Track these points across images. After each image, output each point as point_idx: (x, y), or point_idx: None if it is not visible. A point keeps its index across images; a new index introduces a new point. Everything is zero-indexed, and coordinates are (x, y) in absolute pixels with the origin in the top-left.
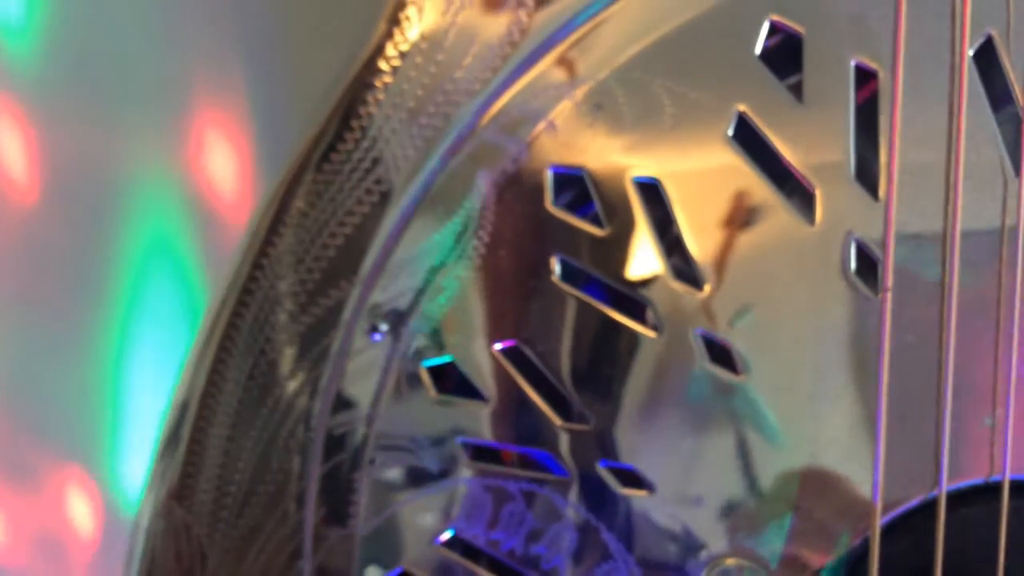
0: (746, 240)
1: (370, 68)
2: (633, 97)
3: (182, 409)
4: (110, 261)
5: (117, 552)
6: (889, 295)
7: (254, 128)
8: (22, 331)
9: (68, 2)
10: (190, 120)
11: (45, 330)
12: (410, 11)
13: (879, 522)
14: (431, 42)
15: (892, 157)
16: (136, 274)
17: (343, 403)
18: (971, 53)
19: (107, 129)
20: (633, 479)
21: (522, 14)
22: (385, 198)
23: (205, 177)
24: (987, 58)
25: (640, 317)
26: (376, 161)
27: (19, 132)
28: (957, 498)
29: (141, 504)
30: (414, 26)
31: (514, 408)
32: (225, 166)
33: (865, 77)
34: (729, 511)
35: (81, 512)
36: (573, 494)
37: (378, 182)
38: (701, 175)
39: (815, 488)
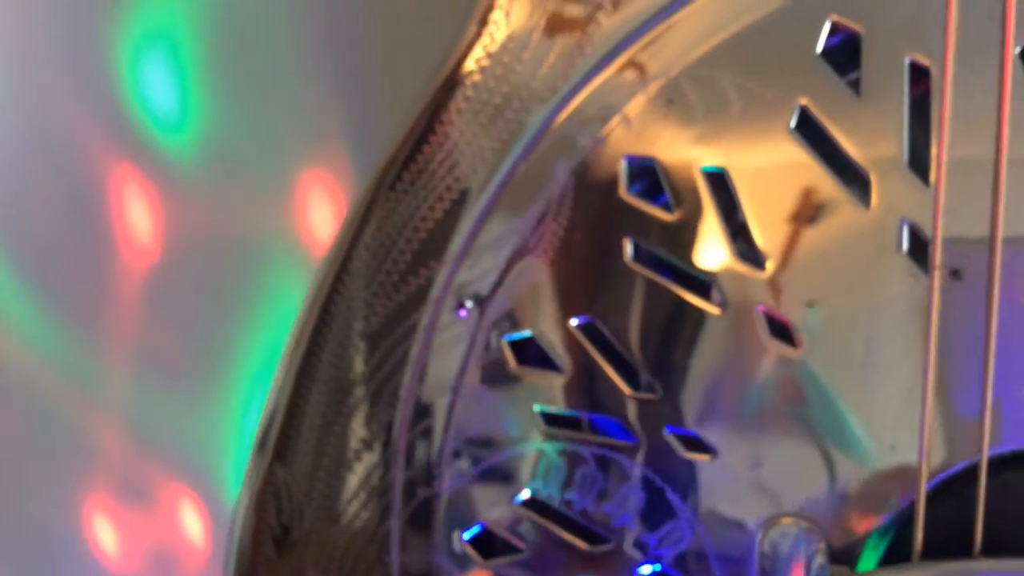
0: (806, 224)
1: (459, 69)
2: (702, 92)
3: (283, 381)
4: (233, 313)
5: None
6: (938, 272)
7: (353, 183)
8: (145, 373)
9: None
10: (297, 183)
11: (168, 372)
12: (497, 14)
13: (925, 486)
14: (516, 44)
15: (941, 147)
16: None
17: (430, 374)
18: (1017, 51)
19: (227, 196)
20: (696, 444)
21: (600, 16)
22: (464, 195)
23: (309, 232)
24: None
25: (706, 295)
26: (456, 162)
27: (147, 200)
28: (999, 464)
29: (247, 465)
30: (501, 28)
31: (587, 379)
32: (327, 221)
33: (919, 73)
34: (785, 475)
35: (192, 526)
36: (641, 458)
37: (457, 179)
38: (765, 165)
39: (866, 453)
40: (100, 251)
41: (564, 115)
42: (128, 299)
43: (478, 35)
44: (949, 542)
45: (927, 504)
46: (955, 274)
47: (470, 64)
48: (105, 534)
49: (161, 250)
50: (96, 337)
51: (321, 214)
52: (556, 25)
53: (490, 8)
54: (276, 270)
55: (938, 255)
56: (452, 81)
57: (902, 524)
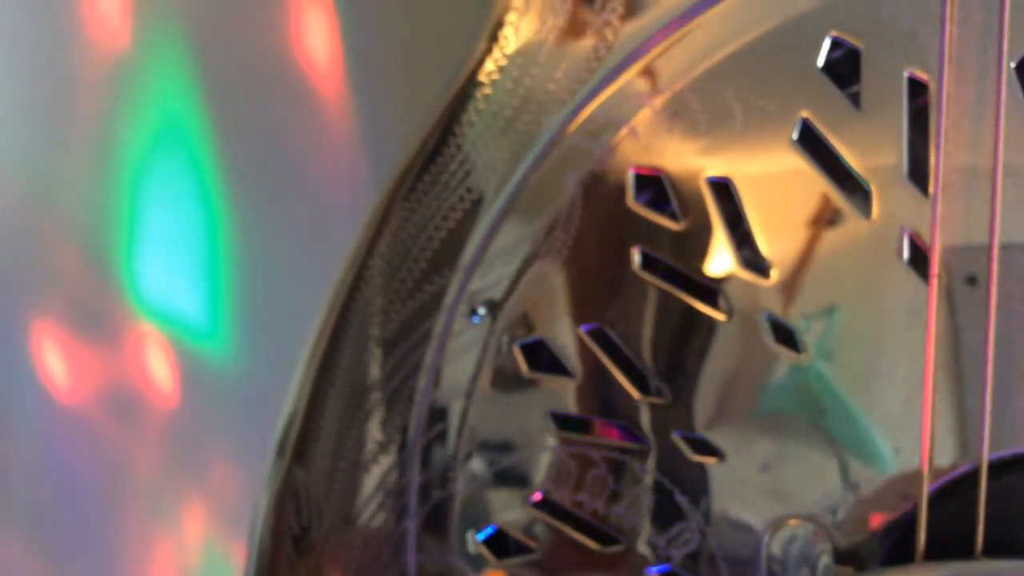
0: (809, 233)
1: (471, 81)
2: (707, 105)
3: (301, 386)
4: None
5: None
6: (936, 280)
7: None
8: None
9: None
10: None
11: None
12: (508, 30)
13: (927, 489)
14: (526, 57)
15: (939, 159)
16: None
17: (444, 379)
18: (1013, 65)
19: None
20: (705, 447)
21: (608, 33)
22: (477, 204)
23: None
24: None
25: (712, 302)
26: (469, 172)
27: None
28: (1000, 467)
29: (268, 468)
30: (511, 43)
31: (597, 383)
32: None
33: (917, 87)
34: (792, 477)
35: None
36: (650, 461)
37: (469, 190)
38: (768, 175)
39: (873, 456)
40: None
41: (574, 127)
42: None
43: (489, 49)
44: (955, 543)
45: (933, 506)
46: (971, 281)
47: (482, 77)
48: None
49: None
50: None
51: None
52: (564, 40)
53: (501, 23)
54: None
55: (936, 264)
56: (465, 93)
57: (907, 526)
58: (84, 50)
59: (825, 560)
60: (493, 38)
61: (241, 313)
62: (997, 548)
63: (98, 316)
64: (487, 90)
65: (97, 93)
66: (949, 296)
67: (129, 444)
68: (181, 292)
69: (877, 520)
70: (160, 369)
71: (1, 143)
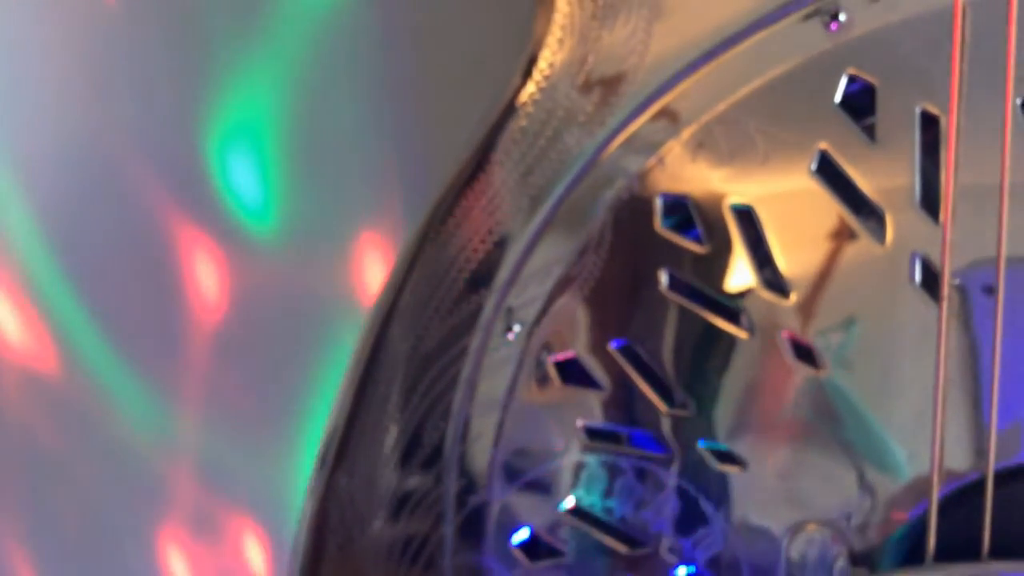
0: (826, 257)
1: (508, 111)
2: (730, 137)
3: (342, 402)
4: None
5: None
6: (946, 302)
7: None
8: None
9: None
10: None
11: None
12: (542, 64)
13: (937, 496)
14: (560, 90)
15: (948, 188)
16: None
17: (480, 392)
18: (1019, 102)
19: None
20: (728, 457)
21: (638, 68)
22: (512, 228)
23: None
24: None
25: (735, 321)
26: (505, 197)
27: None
28: (1007, 476)
29: (311, 476)
30: (546, 76)
31: (625, 396)
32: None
33: (929, 121)
34: (811, 485)
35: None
36: (676, 469)
37: (505, 214)
38: (788, 202)
39: (889, 464)
40: (173, 306)
41: (605, 156)
42: (198, 351)
43: (524, 82)
44: (967, 547)
45: (945, 511)
46: (989, 291)
47: (515, 109)
48: (177, 565)
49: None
50: (170, 386)
51: (375, 271)
52: (596, 74)
53: (535, 58)
54: (334, 321)
55: (945, 287)
56: (501, 123)
57: (920, 530)
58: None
59: (841, 563)
60: (528, 72)
61: None
62: (1005, 551)
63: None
64: (522, 121)
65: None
66: (965, 307)
67: None
68: None
69: (891, 524)
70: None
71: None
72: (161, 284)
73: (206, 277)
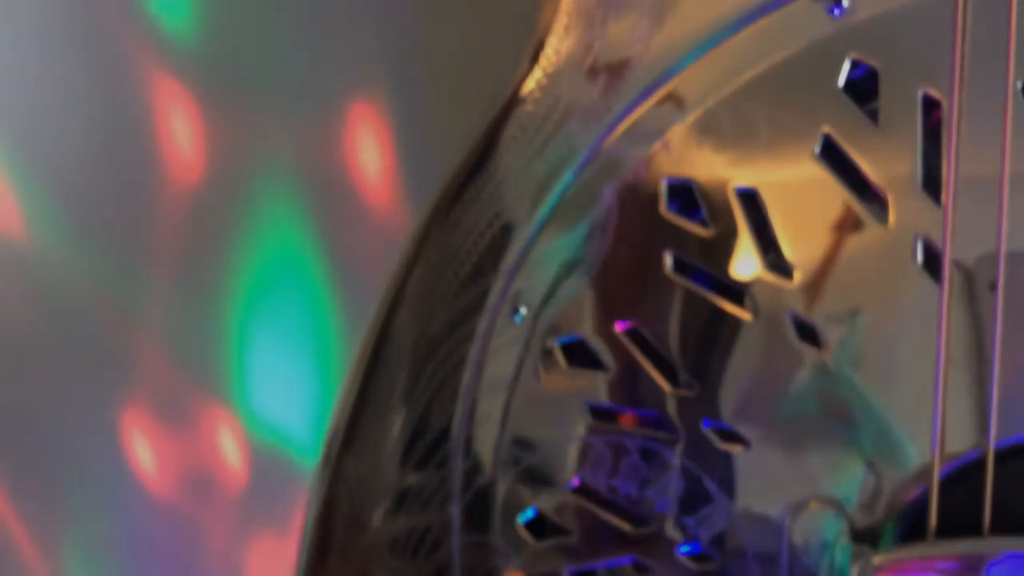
0: (829, 239)
1: (514, 99)
2: (735, 121)
3: (351, 383)
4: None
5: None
6: (947, 283)
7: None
8: (177, 289)
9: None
10: (340, 115)
11: (194, 287)
12: (548, 51)
13: (939, 474)
14: (566, 77)
15: (951, 171)
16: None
17: (487, 374)
18: (1020, 85)
19: (265, 119)
20: (732, 436)
21: (643, 54)
22: (519, 213)
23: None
24: None
25: (739, 303)
26: (512, 182)
27: (188, 119)
28: (1008, 454)
29: (320, 458)
30: (552, 64)
31: (631, 378)
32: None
33: (931, 104)
34: (812, 463)
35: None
36: (680, 448)
37: (512, 199)
38: (792, 185)
39: (887, 444)
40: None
41: (610, 141)
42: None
43: (531, 69)
44: (969, 524)
45: (949, 488)
46: (993, 287)
47: (524, 94)
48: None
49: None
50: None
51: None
52: (602, 61)
53: (542, 45)
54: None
55: (947, 268)
56: (508, 110)
57: (921, 507)
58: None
59: (843, 539)
60: (534, 59)
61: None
62: (1006, 527)
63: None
64: (529, 107)
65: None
66: (970, 296)
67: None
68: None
69: (894, 502)
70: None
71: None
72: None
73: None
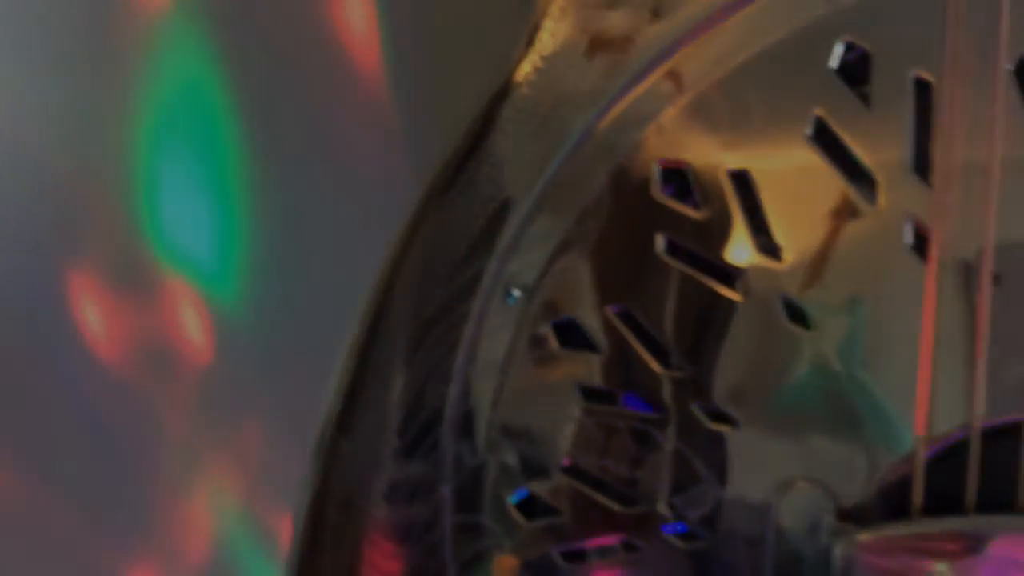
0: (820, 220)
1: (509, 82)
2: (728, 104)
3: (345, 366)
4: None
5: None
6: (935, 264)
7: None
8: None
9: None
10: None
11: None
12: (544, 34)
13: (924, 454)
14: (561, 60)
15: (940, 154)
16: None
17: (480, 355)
18: (1010, 67)
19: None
20: (721, 416)
21: (637, 36)
22: (512, 195)
23: None
24: None
25: (731, 285)
26: (505, 165)
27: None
28: (994, 434)
29: (315, 438)
30: (547, 46)
31: (622, 359)
32: None
33: (923, 87)
34: (799, 442)
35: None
36: (670, 429)
37: (506, 182)
38: (784, 168)
39: (876, 424)
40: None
41: (604, 123)
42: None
43: (526, 52)
44: (955, 503)
45: (936, 467)
46: (996, 280)
47: (519, 77)
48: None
49: None
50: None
51: None
52: (597, 43)
53: (537, 27)
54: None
55: (935, 248)
56: (502, 93)
57: (908, 486)
58: (119, 11)
59: (829, 518)
60: (530, 41)
61: (256, 261)
62: (991, 506)
63: (133, 270)
64: (524, 90)
65: (126, 51)
66: (964, 279)
67: (163, 397)
68: (197, 239)
69: (881, 481)
70: (193, 324)
71: (34, 100)
72: None
73: None
